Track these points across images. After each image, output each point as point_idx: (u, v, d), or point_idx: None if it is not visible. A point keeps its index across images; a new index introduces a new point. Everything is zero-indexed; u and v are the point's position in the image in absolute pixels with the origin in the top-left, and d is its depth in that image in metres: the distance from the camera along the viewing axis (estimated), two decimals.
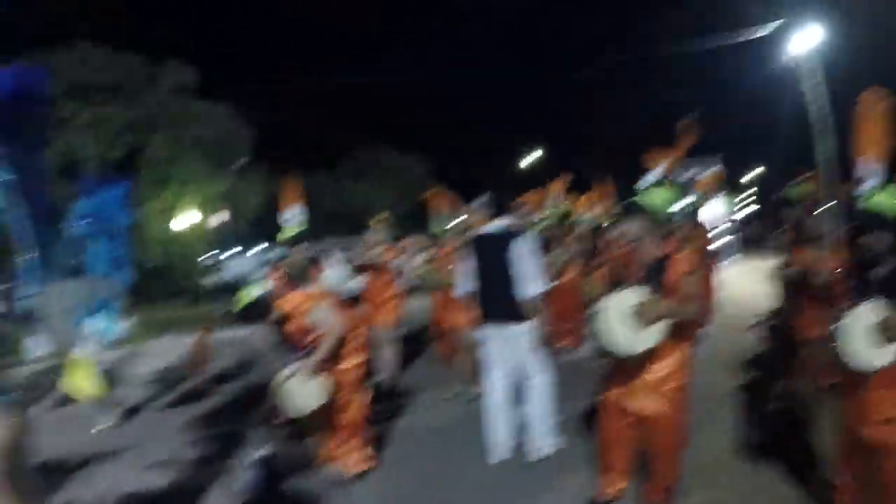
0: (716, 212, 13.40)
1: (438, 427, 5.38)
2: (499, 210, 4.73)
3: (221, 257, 22.65)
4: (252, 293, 4.37)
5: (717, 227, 12.17)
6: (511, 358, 4.40)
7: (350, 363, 4.28)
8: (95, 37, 20.52)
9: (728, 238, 19.62)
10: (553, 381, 4.50)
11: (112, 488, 4.42)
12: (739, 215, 25.46)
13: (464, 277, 4.62)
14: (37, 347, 4.93)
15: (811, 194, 6.27)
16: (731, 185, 23.96)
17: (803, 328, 4.78)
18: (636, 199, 3.35)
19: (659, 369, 3.14)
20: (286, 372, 3.99)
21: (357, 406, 4.32)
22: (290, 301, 4.17)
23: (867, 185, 2.92)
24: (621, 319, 3.00)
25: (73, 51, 19.82)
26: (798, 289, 4.79)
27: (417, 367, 7.51)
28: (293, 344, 4.22)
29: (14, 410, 2.56)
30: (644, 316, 2.96)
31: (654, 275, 3.13)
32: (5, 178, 3.53)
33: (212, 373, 8.36)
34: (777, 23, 16.83)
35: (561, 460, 4.32)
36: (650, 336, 2.99)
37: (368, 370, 4.68)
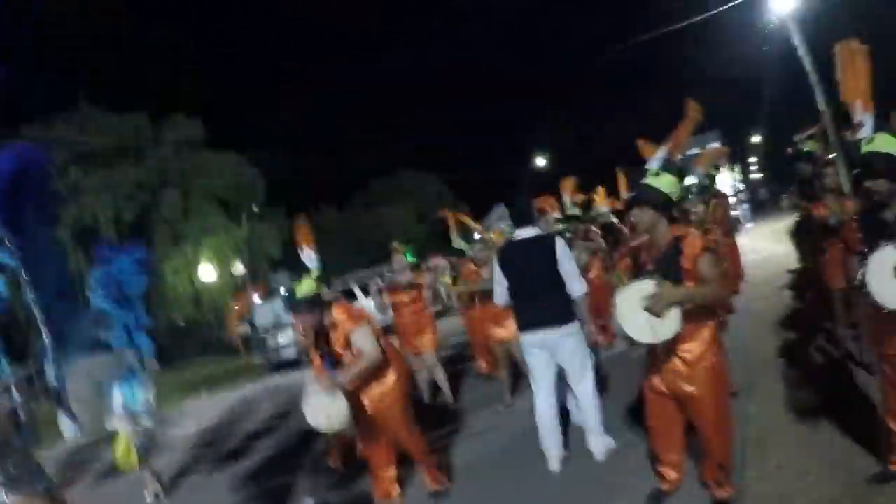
0: (724, 184, 13.35)
1: (497, 442, 5.26)
2: (525, 216, 4.67)
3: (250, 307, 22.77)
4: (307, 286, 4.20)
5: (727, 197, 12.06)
6: (557, 363, 4.28)
7: (388, 386, 4.09)
8: (97, 100, 20.87)
9: (740, 208, 19.54)
10: (598, 380, 4.41)
11: None
12: (746, 184, 25.30)
13: (501, 287, 4.47)
14: (70, 428, 4.83)
15: (820, 146, 6.15)
16: (733, 157, 23.78)
17: (832, 278, 4.86)
18: (642, 185, 3.25)
19: (690, 350, 3.10)
20: (310, 385, 3.90)
21: (412, 429, 4.23)
22: (337, 313, 4.02)
23: (865, 131, 2.98)
24: (636, 311, 2.99)
25: (75, 116, 20.11)
26: (821, 241, 4.87)
27: (464, 385, 7.32)
28: (329, 357, 4.09)
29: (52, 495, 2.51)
30: (657, 306, 2.93)
31: (670, 259, 3.09)
32: (8, 262, 3.44)
33: (252, 427, 8.29)
34: None
35: (618, 459, 4.21)
36: (669, 324, 2.96)
37: (411, 395, 4.54)
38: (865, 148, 2.86)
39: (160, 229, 21.10)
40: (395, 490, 4.31)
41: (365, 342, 3.91)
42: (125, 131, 20.88)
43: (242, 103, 42.93)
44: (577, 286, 4.23)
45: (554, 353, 4.24)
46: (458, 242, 7.87)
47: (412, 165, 38.24)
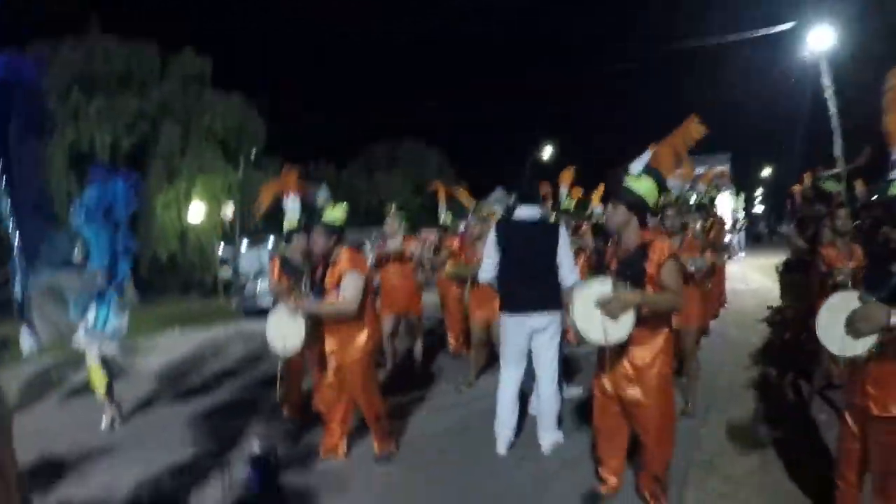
0: (724, 208, 13.35)
1: (452, 419, 5.35)
2: (530, 196, 4.54)
3: (236, 250, 22.70)
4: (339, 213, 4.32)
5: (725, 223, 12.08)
6: (529, 349, 4.32)
7: (358, 343, 4.21)
8: (106, 27, 20.46)
9: (736, 235, 19.58)
10: (563, 373, 4.49)
11: (110, 485, 4.29)
12: (746, 214, 25.30)
13: (490, 263, 4.43)
14: (28, 343, 4.82)
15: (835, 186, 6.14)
16: (739, 184, 23.80)
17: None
18: (621, 185, 3.23)
19: (640, 356, 3.12)
20: (278, 307, 4.15)
21: (373, 395, 4.37)
22: (343, 252, 4.19)
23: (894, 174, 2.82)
24: (592, 309, 2.98)
25: (85, 41, 19.74)
26: (821, 282, 4.70)
27: (431, 360, 7.36)
28: (318, 290, 4.28)
29: None
30: (612, 307, 2.92)
31: (635, 262, 3.09)
32: None
33: (218, 368, 8.32)
34: (790, 24, 16.53)
35: (565, 455, 4.27)
36: (621, 327, 2.96)
37: (378, 360, 4.65)
38: (893, 190, 2.76)
39: (156, 163, 20.79)
40: (342, 448, 4.46)
41: (352, 289, 4.06)
42: (133, 61, 20.45)
43: (254, 48, 42.35)
44: (571, 276, 4.22)
45: (533, 338, 4.26)
46: (444, 216, 7.87)
47: (417, 136, 38.02)
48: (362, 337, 4.21)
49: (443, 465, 4.36)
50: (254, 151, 23.26)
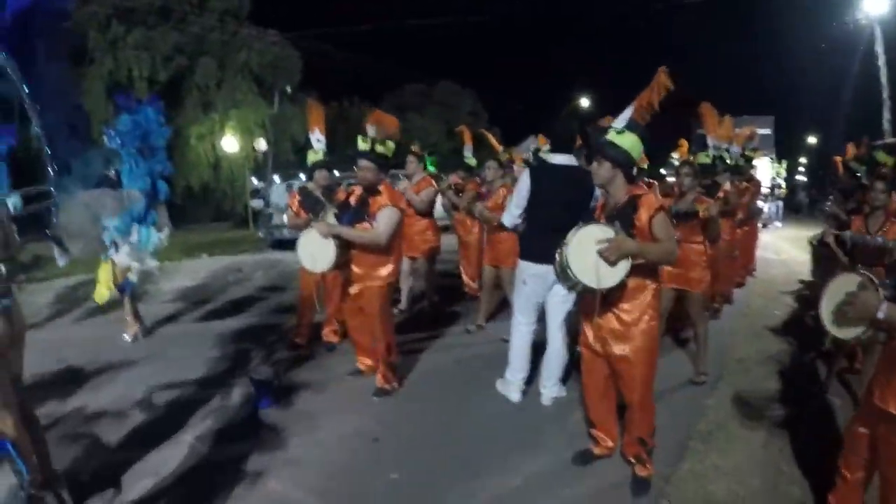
0: (762, 173, 12.83)
1: (459, 359, 5.41)
2: (565, 141, 4.26)
3: (268, 183, 22.90)
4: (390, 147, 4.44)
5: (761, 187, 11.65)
6: (545, 300, 4.24)
7: (382, 276, 4.39)
8: None
9: (774, 203, 18.96)
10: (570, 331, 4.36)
11: (123, 395, 4.46)
12: (787, 182, 24.37)
13: (517, 209, 4.29)
14: (60, 257, 4.96)
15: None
16: (782, 150, 22.90)
17: None
18: (604, 141, 3.12)
19: (628, 310, 3.09)
20: (310, 227, 4.37)
21: (386, 323, 4.52)
22: (385, 188, 4.35)
23: None
24: (588, 252, 2.92)
25: None
26: (857, 254, 4.41)
27: (444, 301, 7.37)
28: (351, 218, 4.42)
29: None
30: (611, 251, 2.87)
31: (624, 216, 3.04)
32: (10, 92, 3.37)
33: (238, 294, 8.51)
34: None
35: (567, 412, 4.21)
36: (615, 273, 2.92)
37: (396, 296, 4.80)
38: None
39: (191, 95, 20.97)
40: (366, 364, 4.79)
41: (386, 223, 4.22)
42: None
43: None
44: None
45: (549, 290, 4.13)
46: (469, 158, 7.74)
47: (452, 78, 37.44)
48: (386, 268, 4.39)
49: (439, 402, 4.43)
50: (288, 88, 23.19)
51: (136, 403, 4.32)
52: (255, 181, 23.65)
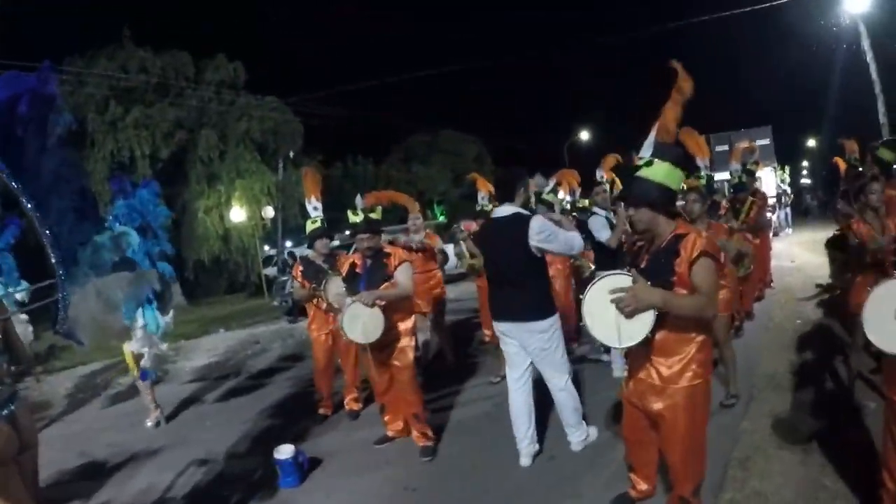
0: (767, 183, 12.75)
1: (482, 413, 5.27)
2: (503, 191, 4.14)
3: (279, 249, 23.11)
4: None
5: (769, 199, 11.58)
6: (528, 356, 4.07)
7: (408, 331, 4.51)
8: (141, 39, 20.97)
9: (782, 211, 18.83)
10: (573, 376, 4.22)
11: (151, 486, 4.41)
12: (792, 187, 24.24)
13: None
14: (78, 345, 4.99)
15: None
16: (782, 157, 22.89)
17: (857, 301, 4.21)
18: (635, 178, 2.77)
19: (668, 364, 2.73)
20: (351, 300, 4.30)
21: (414, 384, 4.52)
22: (394, 248, 4.53)
23: None
24: (605, 306, 2.60)
25: (119, 54, 20.29)
26: (855, 259, 4.45)
27: (465, 351, 7.33)
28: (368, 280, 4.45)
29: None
30: (628, 303, 2.54)
31: (664, 259, 2.69)
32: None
33: (259, 367, 8.48)
34: None
35: (596, 455, 4.09)
36: (639, 328, 2.58)
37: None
38: None
39: (195, 169, 21.35)
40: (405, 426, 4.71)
41: (407, 276, 4.40)
42: (167, 70, 21.01)
43: (287, 49, 42.89)
44: (571, 242, 3.99)
45: (520, 344, 4.01)
46: (482, 204, 7.68)
47: (455, 126, 37.97)
48: (409, 322, 4.53)
49: (471, 456, 4.33)
50: (291, 153, 23.60)
51: (160, 497, 4.25)
52: (267, 248, 23.86)
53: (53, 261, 3.12)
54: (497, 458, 4.22)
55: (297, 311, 13.12)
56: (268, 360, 8.92)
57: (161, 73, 20.74)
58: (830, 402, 4.53)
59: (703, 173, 6.27)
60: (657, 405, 2.79)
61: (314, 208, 5.47)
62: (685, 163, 2.83)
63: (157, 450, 5.19)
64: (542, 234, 3.79)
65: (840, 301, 5.41)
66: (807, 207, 28.05)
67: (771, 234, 11.38)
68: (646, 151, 2.78)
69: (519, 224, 3.83)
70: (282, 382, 7.36)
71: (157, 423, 5.91)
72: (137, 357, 5.69)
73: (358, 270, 4.51)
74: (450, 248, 7.69)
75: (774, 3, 16.00)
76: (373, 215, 4.47)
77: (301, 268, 5.49)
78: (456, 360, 6.95)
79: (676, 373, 2.72)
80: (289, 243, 23.69)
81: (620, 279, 2.66)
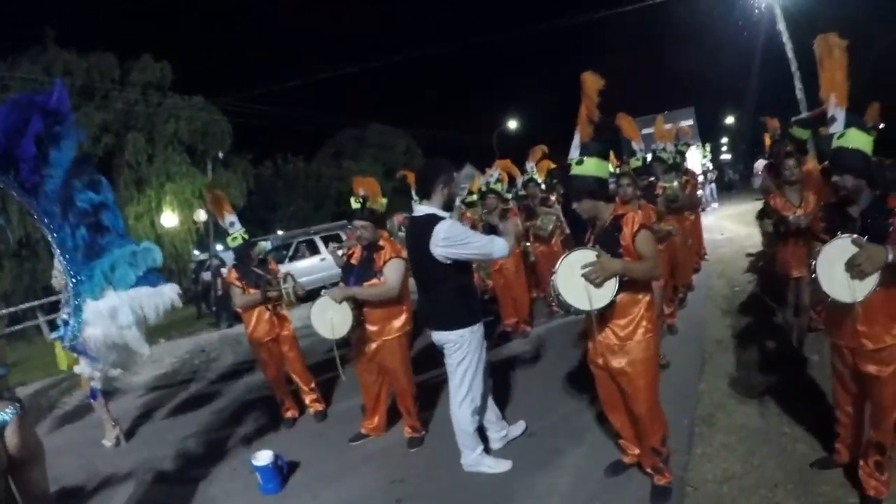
0: (693, 162, 13.48)
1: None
2: (420, 189, 3.81)
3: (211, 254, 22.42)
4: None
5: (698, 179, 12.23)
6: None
7: (398, 327, 4.40)
8: (65, 41, 19.96)
9: (708, 187, 19.83)
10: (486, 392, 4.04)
11: None
12: (713, 164, 25.60)
13: None
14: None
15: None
16: (704, 135, 24.15)
17: (787, 266, 4.82)
18: (571, 177, 3.20)
19: (623, 324, 3.16)
20: (323, 295, 4.27)
21: (409, 374, 4.52)
22: (385, 241, 4.39)
23: (837, 125, 2.94)
24: (576, 277, 3.00)
25: (42, 57, 19.28)
26: (780, 229, 4.81)
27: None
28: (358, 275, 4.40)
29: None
30: (596, 274, 2.95)
31: (609, 236, 3.14)
32: None
33: (211, 376, 8.29)
34: None
35: (571, 429, 4.26)
36: (605, 293, 3.00)
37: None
38: (836, 143, 2.84)
39: (123, 174, 20.47)
40: (384, 425, 4.77)
41: (394, 275, 4.24)
42: (92, 72, 20.04)
43: (213, 48, 41.65)
44: (490, 247, 3.63)
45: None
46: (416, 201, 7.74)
47: (382, 120, 37.83)
48: (400, 319, 4.40)
49: (453, 448, 4.21)
50: (220, 153, 22.93)
51: None
52: (197, 253, 22.97)
53: (65, 274, 3.04)
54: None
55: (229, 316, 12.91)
56: (220, 368, 8.73)
57: (86, 75, 19.80)
58: (777, 359, 4.91)
59: (639, 156, 6.60)
60: (618, 362, 3.17)
61: (230, 224, 5.42)
62: (608, 150, 3.26)
63: (127, 471, 4.98)
64: (448, 240, 3.53)
65: (770, 268, 5.83)
66: (730, 182, 29.56)
67: (700, 210, 11.99)
68: (574, 152, 3.24)
69: (429, 227, 3.56)
70: (238, 390, 7.21)
71: (118, 442, 5.71)
72: (87, 379, 5.48)
73: (353, 262, 4.47)
74: None
75: None
76: (373, 205, 4.39)
77: (237, 274, 5.34)
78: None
79: (631, 331, 3.14)
80: (219, 247, 22.98)
81: (585, 254, 3.04)
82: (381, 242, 4.38)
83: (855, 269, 2.54)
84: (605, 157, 3.24)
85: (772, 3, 16.58)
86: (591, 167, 3.14)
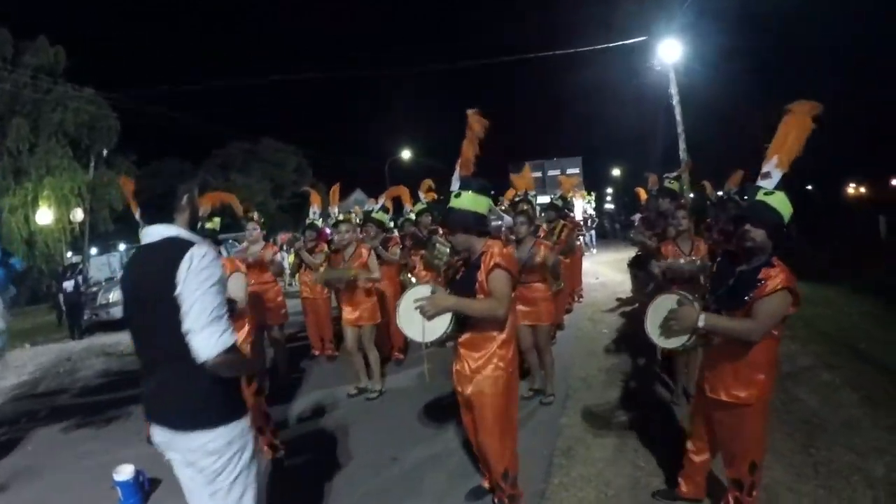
0: (577, 210, 14.46)
1: (325, 425, 5.33)
2: (155, 208, 2.26)
3: (84, 258, 21.01)
4: None
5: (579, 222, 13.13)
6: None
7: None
8: None
9: (588, 234, 21.13)
10: None
11: None
12: (597, 212, 27.22)
13: None
14: None
15: (679, 187, 6.92)
16: (589, 184, 25.75)
17: None
18: (448, 209, 3.31)
19: (475, 357, 3.25)
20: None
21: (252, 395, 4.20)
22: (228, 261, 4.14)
23: (769, 182, 2.93)
24: (412, 311, 3.13)
25: None
26: (670, 275, 4.96)
27: (300, 365, 7.36)
28: None
29: None
30: (426, 309, 3.05)
31: (471, 270, 3.21)
32: None
33: (80, 385, 7.89)
34: (640, 39, 18.40)
35: (433, 455, 4.38)
36: (437, 328, 3.13)
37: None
38: (760, 196, 2.88)
39: (3, 160, 18.92)
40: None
41: (239, 289, 4.06)
42: None
43: (113, 39, 39.40)
44: (203, 342, 2.07)
45: (192, 465, 2.30)
46: (314, 219, 7.53)
47: (275, 136, 37.25)
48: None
49: (312, 468, 4.39)
50: (105, 150, 21.72)
51: None
52: (70, 255, 21.44)
53: None
54: (343, 466, 4.35)
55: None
56: (86, 379, 8.29)
57: None
58: (636, 398, 5.28)
59: (532, 201, 7.20)
60: (468, 390, 3.28)
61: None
62: (488, 191, 3.34)
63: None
64: (198, 276, 2.09)
65: (640, 312, 6.32)
66: (606, 231, 31.46)
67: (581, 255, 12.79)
68: (455, 185, 3.35)
69: (171, 253, 2.13)
70: (107, 401, 6.85)
71: None
72: None
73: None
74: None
75: (593, 48, 18.17)
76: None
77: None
78: (289, 374, 6.88)
79: (481, 365, 3.22)
80: (94, 250, 21.59)
81: (422, 289, 3.22)
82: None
83: (670, 322, 2.94)
84: (484, 193, 3.31)
85: (668, 68, 18.25)
86: (467, 201, 3.23)
